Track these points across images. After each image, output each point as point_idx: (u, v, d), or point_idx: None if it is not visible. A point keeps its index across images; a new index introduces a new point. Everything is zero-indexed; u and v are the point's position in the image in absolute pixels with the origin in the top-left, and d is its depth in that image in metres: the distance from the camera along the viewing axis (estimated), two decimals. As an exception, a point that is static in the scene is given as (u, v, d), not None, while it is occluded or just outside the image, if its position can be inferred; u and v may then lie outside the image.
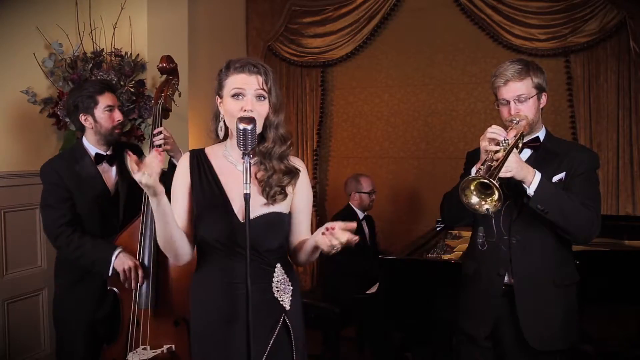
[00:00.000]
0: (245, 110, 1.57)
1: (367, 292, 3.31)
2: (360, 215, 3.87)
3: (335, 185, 4.72)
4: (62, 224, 2.31)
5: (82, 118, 2.41)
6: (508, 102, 1.96)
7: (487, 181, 1.68)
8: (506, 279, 2.00)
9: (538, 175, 1.84)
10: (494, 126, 1.84)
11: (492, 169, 1.73)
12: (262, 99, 1.62)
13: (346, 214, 3.86)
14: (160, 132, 2.41)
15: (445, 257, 3.04)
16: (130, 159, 1.41)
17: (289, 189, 1.67)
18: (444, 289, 2.73)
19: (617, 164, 3.86)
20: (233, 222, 1.62)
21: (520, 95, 1.94)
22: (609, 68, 3.86)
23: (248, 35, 4.83)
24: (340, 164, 4.81)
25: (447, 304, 2.69)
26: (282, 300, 1.66)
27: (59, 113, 3.01)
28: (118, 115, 2.43)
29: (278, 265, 1.67)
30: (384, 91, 4.61)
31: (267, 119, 1.64)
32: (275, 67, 4.43)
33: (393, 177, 4.59)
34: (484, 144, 1.83)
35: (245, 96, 1.60)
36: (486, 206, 1.73)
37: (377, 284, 3.14)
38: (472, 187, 1.74)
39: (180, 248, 1.63)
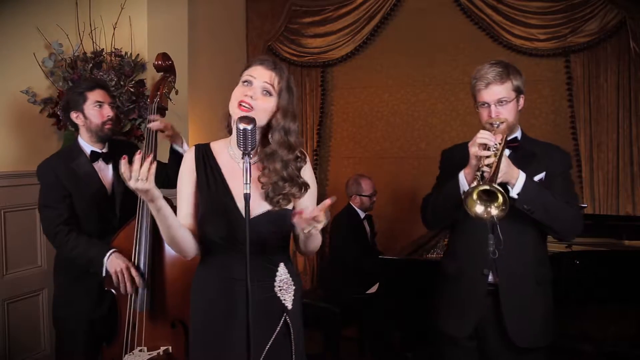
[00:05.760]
0: (246, 96, 1.59)
1: (367, 292, 3.31)
2: (362, 215, 3.87)
3: (335, 185, 4.72)
4: (59, 222, 2.30)
5: (73, 116, 2.41)
6: (489, 105, 1.97)
7: (492, 188, 1.68)
8: (490, 277, 2.00)
9: (522, 176, 1.86)
10: (483, 131, 1.84)
11: (487, 174, 1.75)
12: (268, 95, 1.63)
13: (347, 214, 3.86)
14: (156, 120, 2.40)
15: (445, 257, 3.04)
16: (123, 164, 1.40)
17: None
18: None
19: (617, 164, 3.86)
20: (236, 219, 1.62)
21: (501, 99, 1.95)
22: (609, 68, 3.86)
23: (248, 35, 4.83)
24: (340, 164, 4.81)
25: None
26: (284, 300, 1.66)
27: (59, 113, 3.00)
28: (107, 111, 2.41)
29: (281, 264, 1.68)
30: (384, 91, 4.61)
31: (274, 119, 1.64)
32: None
33: (393, 177, 4.59)
34: (474, 150, 1.83)
35: (253, 85, 1.62)
36: (493, 212, 1.73)
37: (377, 284, 3.15)
38: (475, 197, 1.73)
39: (185, 246, 1.65)
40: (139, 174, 1.40)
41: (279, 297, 1.65)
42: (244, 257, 1.55)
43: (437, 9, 4.35)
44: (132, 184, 1.41)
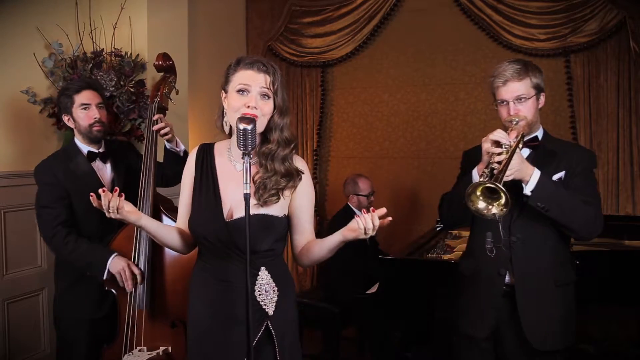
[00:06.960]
0: (248, 107, 1.57)
1: (367, 292, 3.31)
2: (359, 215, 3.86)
3: (335, 185, 4.72)
4: (57, 224, 2.30)
5: (65, 119, 2.43)
6: (507, 103, 1.96)
7: (494, 186, 1.67)
8: (507, 278, 1.99)
9: (537, 174, 1.83)
10: (498, 130, 1.83)
11: (497, 172, 1.73)
12: (267, 98, 1.61)
13: (345, 214, 3.85)
14: (160, 121, 2.42)
15: (445, 257, 3.04)
16: (93, 201, 1.54)
17: (286, 193, 1.65)
18: (444, 289, 2.73)
19: (617, 164, 3.85)
20: (219, 221, 1.62)
21: (519, 96, 1.94)
22: (609, 68, 3.86)
23: (248, 35, 4.83)
24: (340, 164, 4.81)
25: (447, 303, 2.69)
26: (265, 305, 1.62)
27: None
28: (94, 113, 2.38)
29: (262, 268, 1.64)
30: (384, 91, 4.61)
31: (272, 120, 1.63)
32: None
33: (393, 177, 4.59)
34: (486, 146, 1.82)
35: (250, 93, 1.60)
36: (493, 210, 1.72)
37: (377, 284, 3.15)
38: (478, 193, 1.73)
39: (178, 247, 1.75)
40: (109, 208, 1.51)
41: (258, 301, 1.61)
42: (229, 258, 1.61)
43: (437, 9, 4.35)
44: (107, 215, 1.54)
